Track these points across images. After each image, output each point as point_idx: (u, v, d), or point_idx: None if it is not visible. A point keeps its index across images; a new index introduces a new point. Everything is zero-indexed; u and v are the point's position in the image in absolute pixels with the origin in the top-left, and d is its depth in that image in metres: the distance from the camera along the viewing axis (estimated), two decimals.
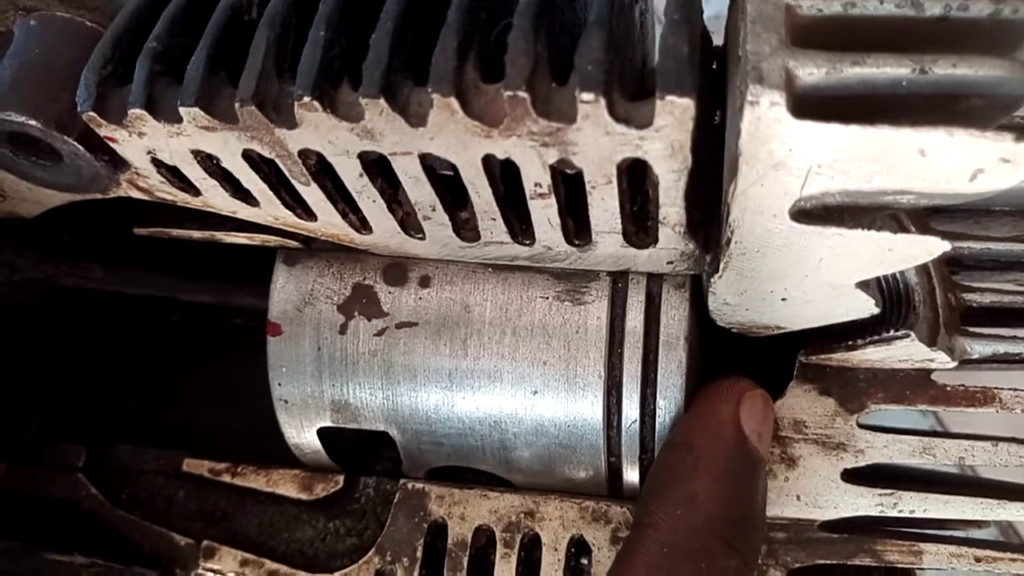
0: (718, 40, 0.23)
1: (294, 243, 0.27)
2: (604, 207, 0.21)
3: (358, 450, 0.28)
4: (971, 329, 0.25)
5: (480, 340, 0.25)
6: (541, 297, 0.25)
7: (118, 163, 0.24)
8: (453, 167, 0.21)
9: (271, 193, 0.23)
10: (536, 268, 0.25)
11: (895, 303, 0.25)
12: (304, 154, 0.21)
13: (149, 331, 0.32)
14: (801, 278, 0.21)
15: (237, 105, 0.20)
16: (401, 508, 0.28)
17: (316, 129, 0.20)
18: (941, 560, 0.25)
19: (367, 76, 0.19)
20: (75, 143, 0.23)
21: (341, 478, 0.28)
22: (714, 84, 0.22)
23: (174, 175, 0.23)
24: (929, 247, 0.20)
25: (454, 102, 0.18)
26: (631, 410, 0.25)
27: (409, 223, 0.24)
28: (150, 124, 0.21)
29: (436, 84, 0.18)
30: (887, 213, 0.20)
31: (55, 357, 0.32)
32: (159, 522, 0.29)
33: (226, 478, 0.29)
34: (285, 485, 0.29)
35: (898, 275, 0.25)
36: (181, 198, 0.25)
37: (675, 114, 0.18)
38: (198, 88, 0.20)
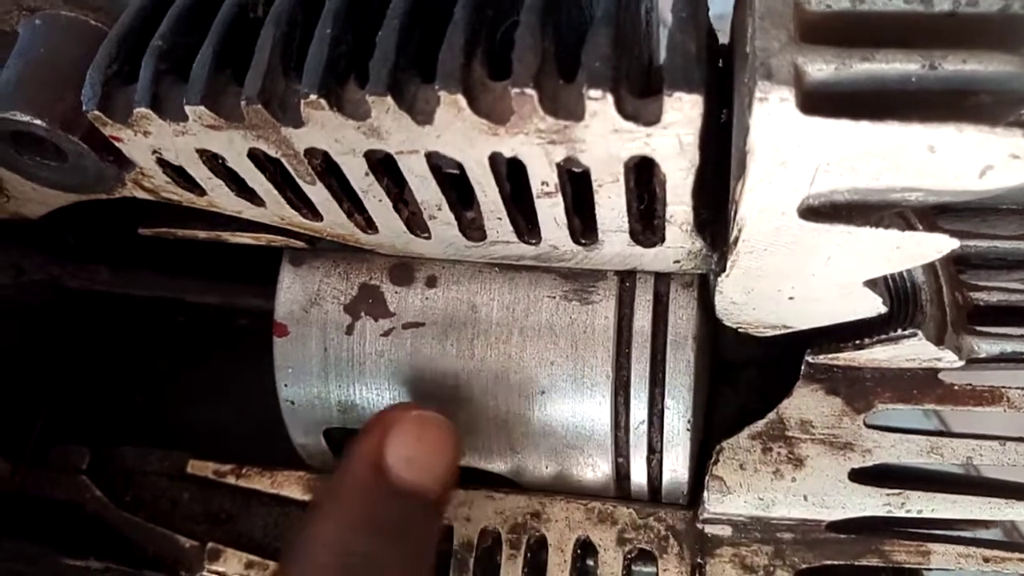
0: (723, 39, 0.23)
1: (299, 243, 0.26)
2: (611, 206, 0.21)
3: None
4: (978, 328, 0.25)
5: (487, 340, 0.25)
6: (548, 297, 0.25)
7: (123, 163, 0.24)
8: (459, 166, 0.21)
9: (277, 193, 0.23)
10: (543, 267, 0.25)
11: (902, 302, 0.25)
12: (310, 153, 0.21)
13: (155, 332, 0.32)
14: (808, 276, 0.21)
15: (243, 103, 0.20)
16: None
17: (322, 127, 0.20)
18: (949, 560, 0.25)
19: (374, 74, 0.19)
20: (80, 142, 0.23)
21: None
22: (720, 82, 0.22)
23: (179, 175, 0.23)
24: (937, 245, 0.20)
25: (461, 99, 0.18)
26: (639, 410, 0.25)
27: (415, 222, 0.24)
28: (155, 123, 0.21)
29: (443, 81, 0.18)
30: (895, 211, 0.20)
31: (60, 358, 0.32)
32: (163, 524, 0.29)
33: (231, 480, 0.29)
34: (290, 487, 0.29)
35: (905, 274, 0.25)
36: (186, 198, 0.25)
37: (683, 110, 0.18)
38: (204, 87, 0.20)
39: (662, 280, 0.25)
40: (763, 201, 0.19)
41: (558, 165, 0.20)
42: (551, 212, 0.22)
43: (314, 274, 0.26)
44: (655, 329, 0.24)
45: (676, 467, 0.25)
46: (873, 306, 0.22)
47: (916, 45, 0.17)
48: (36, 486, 0.31)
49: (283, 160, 0.22)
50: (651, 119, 0.18)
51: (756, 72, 0.17)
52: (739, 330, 0.25)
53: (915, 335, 0.24)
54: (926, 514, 0.24)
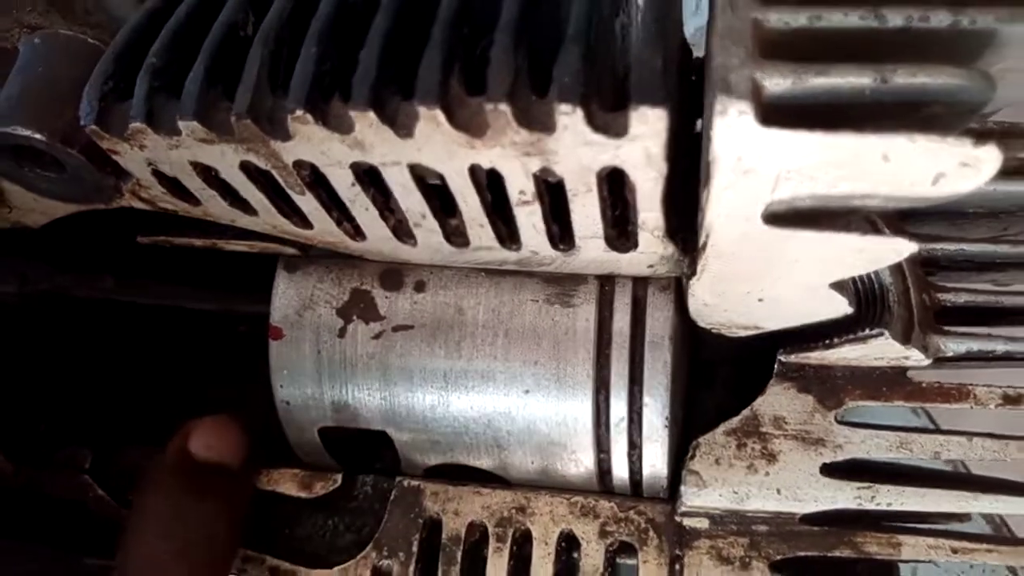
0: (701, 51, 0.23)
1: (292, 250, 0.27)
2: (586, 213, 0.22)
3: (359, 448, 0.29)
4: (945, 328, 0.26)
5: (473, 342, 0.26)
6: (531, 300, 0.26)
7: (121, 174, 0.25)
8: (441, 176, 0.22)
9: (268, 203, 0.24)
10: (526, 272, 0.26)
11: (870, 303, 0.26)
12: (298, 165, 0.22)
13: (158, 337, 0.33)
14: (776, 279, 0.22)
15: (233, 119, 0.21)
16: (397, 505, 0.28)
17: (309, 141, 0.21)
18: (919, 552, 0.26)
19: (356, 90, 0.20)
20: (79, 155, 0.24)
21: (339, 476, 0.29)
22: (693, 95, 0.23)
23: (174, 186, 0.24)
24: (898, 248, 0.20)
25: (440, 114, 0.19)
26: (619, 408, 0.26)
27: (401, 230, 0.25)
28: (150, 137, 0.22)
29: (422, 97, 0.19)
30: (861, 216, 0.21)
31: (63, 361, 0.33)
32: None
33: None
34: (285, 484, 0.30)
35: (873, 275, 0.26)
36: (182, 208, 0.26)
37: (649, 123, 0.19)
38: (196, 102, 0.21)
39: (640, 284, 0.26)
40: (728, 208, 0.20)
41: (534, 175, 0.21)
42: (529, 220, 0.23)
43: (308, 280, 0.27)
44: (633, 330, 0.25)
45: (655, 462, 0.26)
46: (840, 307, 0.23)
47: (872, 59, 0.18)
48: (39, 485, 0.32)
49: (273, 172, 0.23)
50: (619, 131, 0.19)
51: (716, 87, 0.18)
52: (712, 331, 0.26)
53: (882, 335, 0.25)
54: (895, 507, 0.25)
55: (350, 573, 0.28)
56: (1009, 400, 0.26)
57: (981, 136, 0.17)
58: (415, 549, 0.28)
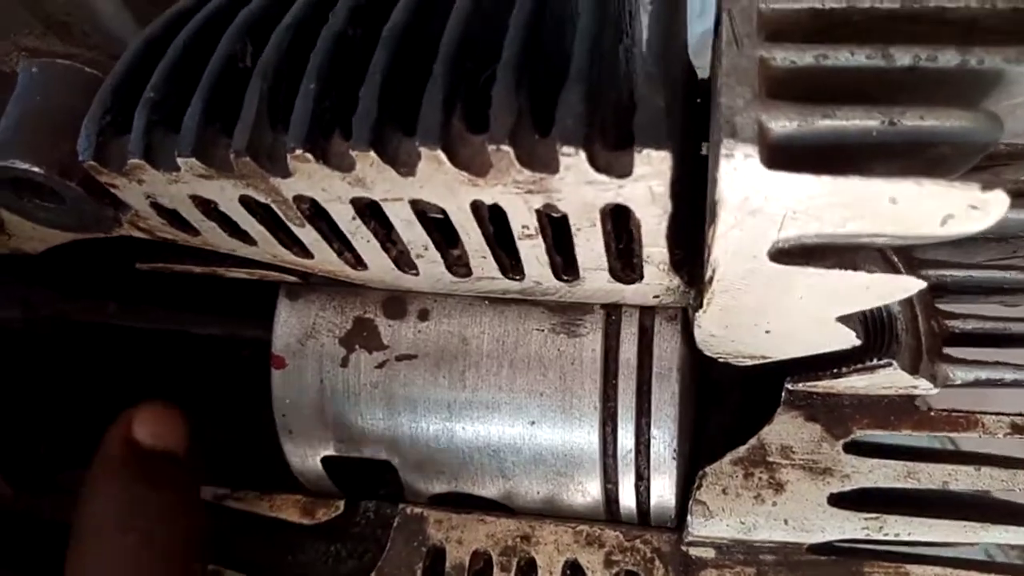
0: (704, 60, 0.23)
1: (293, 278, 0.27)
2: (590, 247, 0.22)
3: (362, 473, 0.29)
4: (953, 355, 0.25)
5: (478, 372, 0.26)
6: (537, 330, 0.26)
7: (120, 205, 0.25)
8: (443, 210, 0.22)
9: (268, 234, 0.24)
10: (531, 301, 0.26)
11: (878, 332, 0.25)
12: (298, 199, 0.22)
13: (160, 363, 0.33)
14: (783, 313, 0.22)
15: (232, 156, 0.21)
16: (400, 532, 0.28)
17: (309, 178, 0.21)
18: None
19: (357, 129, 0.19)
20: (77, 187, 0.24)
21: (342, 503, 0.29)
22: (700, 118, 0.22)
23: (174, 217, 0.24)
24: (906, 285, 0.20)
25: (441, 154, 0.19)
26: (626, 439, 0.25)
27: (403, 260, 0.25)
28: (149, 172, 0.22)
29: (423, 137, 0.19)
30: (870, 248, 0.20)
31: (65, 385, 0.33)
32: None
33: (230, 503, 0.30)
34: (287, 510, 0.29)
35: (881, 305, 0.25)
36: (181, 237, 0.25)
37: (653, 164, 0.18)
38: (194, 139, 0.21)
39: (647, 314, 0.26)
40: (734, 246, 0.19)
41: (537, 211, 0.21)
42: (533, 252, 0.23)
43: (310, 308, 0.27)
44: (641, 361, 0.25)
45: (663, 493, 0.26)
46: (847, 339, 0.23)
47: (878, 98, 0.18)
48: (40, 510, 0.32)
49: (273, 205, 0.22)
50: (623, 172, 0.19)
51: (722, 130, 0.17)
52: (719, 360, 0.26)
53: (890, 365, 0.24)
54: (903, 537, 0.25)
55: None
56: (1017, 429, 0.25)
57: (987, 183, 0.17)
58: None
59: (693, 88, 0.24)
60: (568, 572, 0.27)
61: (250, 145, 0.20)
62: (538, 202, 0.20)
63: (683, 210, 0.21)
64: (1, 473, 0.31)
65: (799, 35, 0.19)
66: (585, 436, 0.26)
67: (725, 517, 0.26)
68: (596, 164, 0.19)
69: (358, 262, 0.25)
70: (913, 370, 0.25)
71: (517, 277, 0.25)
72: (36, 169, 0.24)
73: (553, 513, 0.28)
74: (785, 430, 0.26)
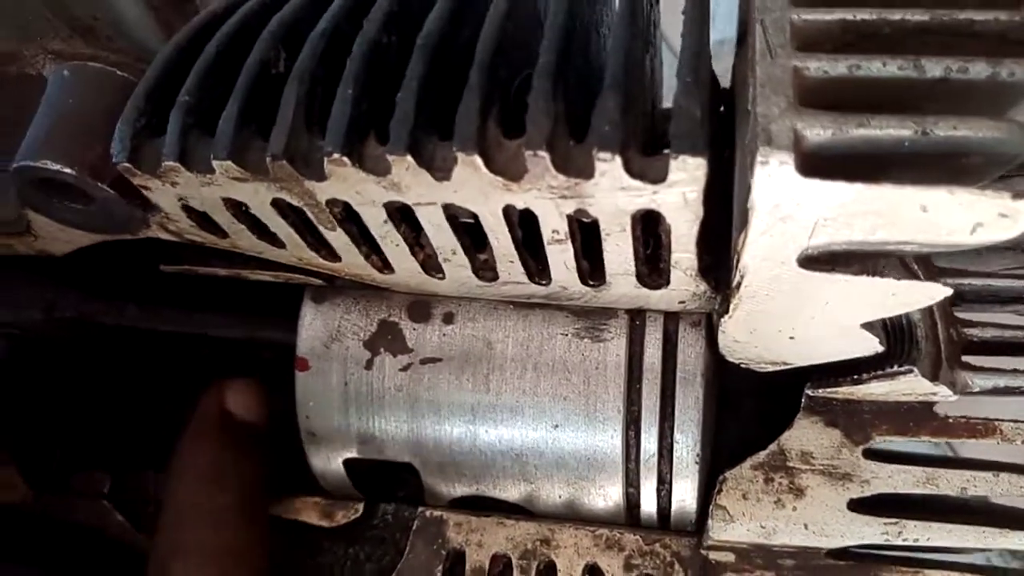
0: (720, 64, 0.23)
1: (318, 281, 0.27)
2: (618, 252, 0.22)
3: (382, 476, 0.29)
4: (972, 363, 0.26)
5: (502, 375, 0.26)
6: (561, 334, 0.26)
7: (149, 207, 0.25)
8: (474, 215, 0.22)
9: (298, 237, 0.24)
10: (556, 305, 0.26)
11: (898, 339, 0.26)
12: (332, 203, 0.22)
13: (180, 365, 0.33)
14: (808, 319, 0.22)
15: (268, 159, 0.21)
16: (420, 535, 0.28)
17: (344, 181, 0.21)
18: None
19: (394, 134, 0.20)
20: (108, 189, 0.24)
21: (361, 505, 0.29)
22: (723, 126, 0.23)
23: (204, 220, 0.24)
24: (932, 293, 0.20)
25: (478, 159, 0.19)
26: (649, 444, 0.26)
27: (430, 264, 0.25)
28: (183, 175, 0.22)
29: (461, 143, 0.19)
30: (894, 258, 0.21)
31: (83, 386, 0.33)
32: None
33: None
34: (306, 512, 0.29)
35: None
36: (209, 240, 0.26)
37: (688, 171, 0.19)
38: (230, 142, 0.21)
39: (671, 319, 0.26)
40: (764, 252, 0.20)
41: (568, 216, 0.21)
42: (561, 257, 0.23)
43: (335, 311, 0.27)
44: (665, 366, 0.25)
45: (685, 497, 0.26)
46: (870, 346, 0.23)
47: (910, 108, 0.18)
48: (58, 512, 0.32)
49: (305, 209, 0.23)
50: (657, 177, 0.19)
51: (757, 137, 0.18)
52: (741, 366, 0.26)
53: (911, 371, 0.25)
54: (922, 542, 0.25)
55: None
56: None
57: (1018, 193, 0.17)
58: None
59: (717, 97, 0.24)
60: (588, 575, 0.27)
61: (287, 148, 0.21)
62: (570, 207, 0.21)
63: (711, 216, 0.21)
64: (21, 474, 0.31)
65: (829, 46, 0.20)
66: (608, 440, 0.26)
67: (745, 522, 0.26)
68: (631, 170, 0.19)
69: (385, 265, 0.25)
70: (933, 377, 0.25)
71: (543, 282, 0.25)
72: (67, 170, 0.24)
73: (573, 517, 0.28)
74: (805, 436, 0.27)
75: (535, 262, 0.24)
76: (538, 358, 0.26)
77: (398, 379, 0.27)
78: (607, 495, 0.27)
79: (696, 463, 0.26)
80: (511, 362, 0.26)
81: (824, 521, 0.26)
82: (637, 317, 0.26)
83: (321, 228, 0.24)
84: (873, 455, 0.26)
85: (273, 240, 0.25)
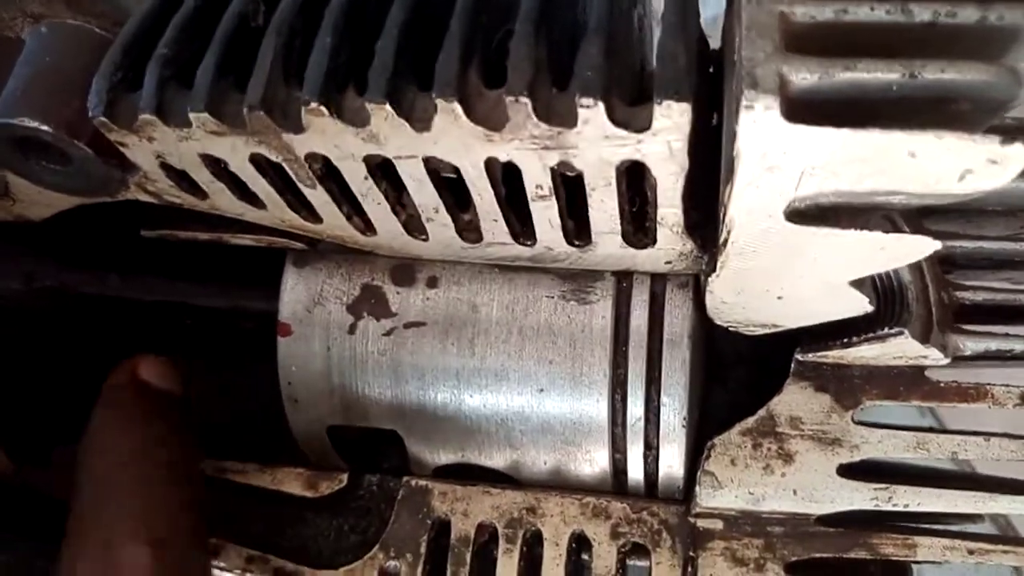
0: (715, 43, 0.23)
1: (300, 245, 0.27)
2: (604, 208, 0.22)
3: (366, 446, 0.29)
4: (964, 327, 0.25)
5: (487, 339, 0.26)
6: (547, 297, 0.26)
7: (127, 167, 0.24)
8: (456, 169, 0.21)
9: (278, 196, 0.24)
10: (541, 268, 0.26)
11: (889, 301, 0.25)
12: (311, 157, 0.22)
13: (161, 335, 0.32)
14: (796, 277, 0.22)
15: (245, 110, 0.20)
16: (404, 505, 0.28)
17: (323, 134, 0.21)
18: (935, 553, 0.25)
19: (373, 82, 0.19)
20: (85, 147, 0.24)
21: (345, 476, 0.29)
22: (712, 88, 0.22)
23: (182, 179, 0.24)
24: (921, 246, 0.20)
25: (458, 107, 0.19)
26: (636, 408, 0.25)
27: (413, 225, 0.24)
28: (160, 129, 0.22)
29: (440, 90, 0.19)
30: (881, 214, 0.20)
31: (64, 358, 0.32)
32: None
33: (231, 477, 0.29)
34: (290, 483, 0.29)
35: (892, 274, 0.25)
36: (189, 201, 0.25)
37: (672, 118, 0.18)
38: (207, 94, 0.21)
39: (658, 280, 0.26)
40: (750, 204, 0.19)
41: (552, 169, 0.21)
42: (545, 214, 0.23)
43: (317, 275, 0.27)
44: (651, 328, 0.25)
45: (672, 463, 0.26)
46: (860, 305, 0.23)
47: (898, 53, 0.18)
48: (39, 485, 0.31)
49: (284, 165, 0.22)
50: (641, 126, 0.19)
51: (742, 81, 0.17)
52: (730, 328, 0.26)
53: (901, 334, 0.24)
54: (912, 508, 0.25)
55: (356, 574, 0.28)
56: None
57: (1008, 134, 0.17)
58: (423, 550, 0.27)
59: (707, 57, 0.24)
60: (574, 544, 0.27)
61: (264, 99, 0.20)
62: (554, 159, 0.20)
63: (698, 172, 0.21)
64: (2, 447, 0.30)
65: None
66: (594, 404, 0.26)
67: (734, 488, 0.26)
68: (614, 117, 0.19)
69: (367, 227, 0.25)
70: (924, 340, 0.25)
71: (528, 242, 0.24)
72: (44, 127, 0.23)
73: (559, 485, 0.28)
74: (794, 401, 0.26)
75: (519, 221, 0.24)
76: (523, 321, 0.26)
77: (381, 344, 0.26)
78: (593, 461, 0.27)
79: (683, 427, 0.25)
80: (496, 325, 0.26)
81: (813, 487, 0.26)
82: (624, 279, 0.26)
83: (301, 186, 0.23)
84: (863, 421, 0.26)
85: (253, 200, 0.25)
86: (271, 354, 0.28)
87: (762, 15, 0.18)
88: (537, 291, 0.26)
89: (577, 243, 0.24)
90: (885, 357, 0.26)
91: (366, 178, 0.22)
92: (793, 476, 0.26)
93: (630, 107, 0.19)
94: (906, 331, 0.24)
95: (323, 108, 0.20)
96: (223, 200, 0.25)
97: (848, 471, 0.26)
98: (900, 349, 0.25)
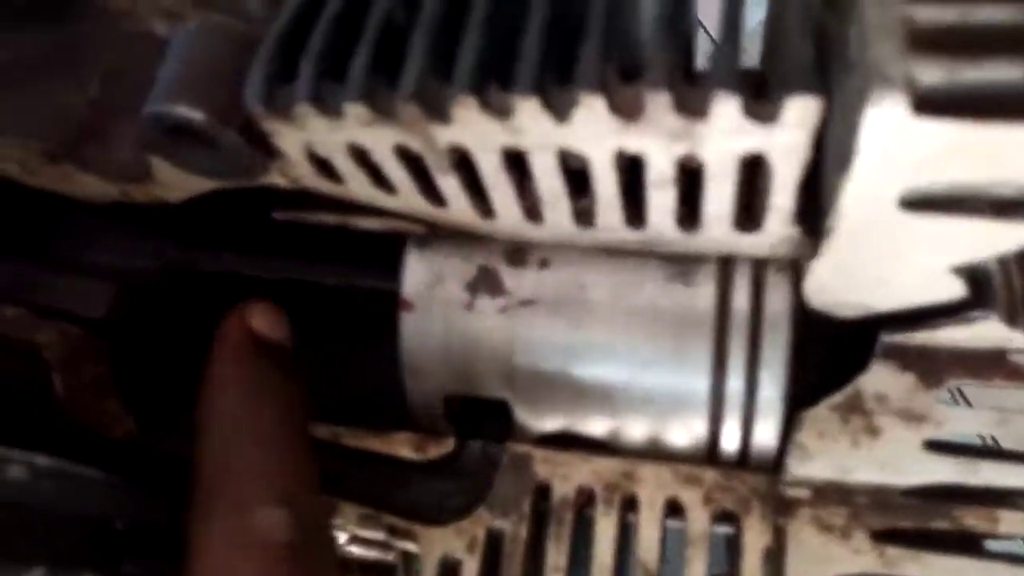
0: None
1: (419, 228, 0.29)
2: (719, 197, 0.24)
3: (474, 413, 0.31)
4: None
5: (594, 317, 0.28)
6: (652, 279, 0.28)
7: (271, 153, 0.26)
8: (583, 159, 0.23)
9: (411, 183, 0.26)
10: (647, 252, 0.28)
11: (975, 285, 0.27)
12: (451, 148, 0.24)
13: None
14: (899, 263, 0.24)
15: (398, 102, 0.22)
16: (508, 469, 0.30)
17: (468, 126, 0.22)
18: (1017, 526, 0.27)
19: (521, 76, 0.21)
20: (236, 135, 0.26)
21: (452, 441, 0.31)
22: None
23: (324, 166, 0.26)
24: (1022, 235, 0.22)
25: (600, 99, 0.21)
26: (736, 384, 0.27)
27: (533, 211, 0.26)
28: (313, 119, 0.24)
29: (583, 83, 0.21)
30: (986, 203, 0.22)
31: (188, 336, 0.35)
32: None
33: (345, 440, 0.32)
34: (400, 447, 0.31)
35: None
36: (325, 187, 0.27)
37: (800, 112, 0.20)
38: (361, 86, 0.23)
39: (759, 264, 0.27)
40: (864, 193, 0.21)
41: (677, 159, 0.22)
42: (662, 202, 0.24)
43: (437, 256, 0.29)
44: (752, 310, 0.27)
45: (766, 436, 0.28)
46: (955, 291, 0.24)
47: (1022, 54, 0.19)
48: (163, 445, 0.34)
49: (423, 154, 0.24)
50: (770, 119, 0.20)
51: (871, 78, 0.19)
52: (814, 310, 0.27)
53: (988, 317, 0.26)
54: (997, 482, 0.27)
55: (464, 532, 0.30)
56: None
57: None
58: (526, 511, 0.30)
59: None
60: (668, 508, 0.29)
61: (416, 91, 0.22)
62: (680, 150, 0.22)
63: (813, 160, 0.22)
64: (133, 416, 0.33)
65: None
66: (695, 380, 0.27)
67: (822, 459, 0.28)
68: (745, 110, 0.20)
69: (489, 212, 0.27)
70: (1011, 322, 0.26)
71: (638, 228, 0.26)
72: (197, 115, 0.26)
73: (655, 454, 0.30)
74: (880, 379, 0.28)
75: (634, 208, 0.26)
76: (630, 300, 0.28)
77: (496, 319, 0.28)
78: (690, 432, 0.29)
79: (781, 404, 0.27)
80: (603, 305, 0.28)
81: (899, 460, 0.27)
82: (726, 262, 0.27)
83: (435, 174, 0.25)
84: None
85: (387, 187, 0.27)
86: (383, 333, 0.30)
87: (886, 17, 0.20)
88: (643, 273, 0.28)
89: (686, 228, 0.26)
90: (971, 340, 0.27)
91: (498, 168, 0.24)
92: (880, 450, 0.27)
93: (758, 100, 0.21)
94: (992, 314, 0.26)
95: (472, 101, 0.22)
96: (358, 186, 0.27)
97: (933, 446, 0.27)
98: (986, 331, 0.26)
